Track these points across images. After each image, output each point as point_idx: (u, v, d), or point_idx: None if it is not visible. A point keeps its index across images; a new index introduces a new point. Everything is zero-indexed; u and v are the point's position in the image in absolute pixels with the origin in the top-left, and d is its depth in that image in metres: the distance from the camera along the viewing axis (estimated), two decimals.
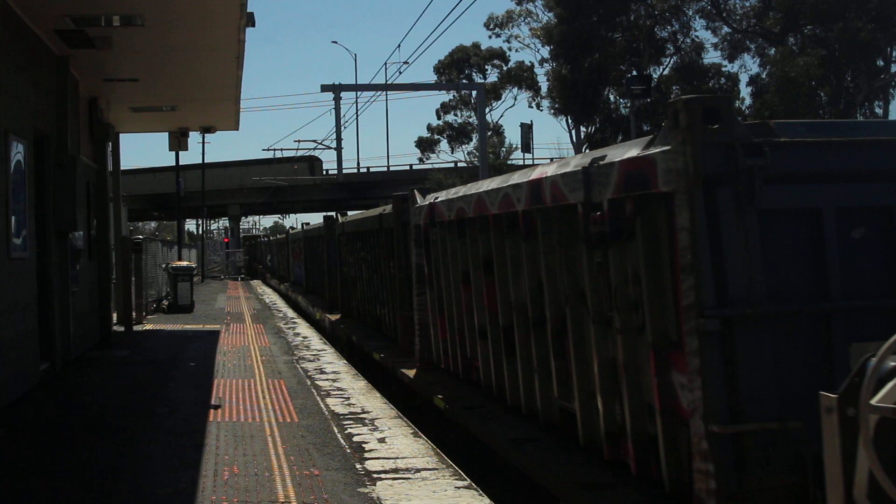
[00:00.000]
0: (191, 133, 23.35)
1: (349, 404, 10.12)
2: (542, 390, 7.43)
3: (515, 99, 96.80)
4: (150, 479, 7.01)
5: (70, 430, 9.06)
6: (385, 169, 76.05)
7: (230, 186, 70.67)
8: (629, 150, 5.73)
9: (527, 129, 65.87)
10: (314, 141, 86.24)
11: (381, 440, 8.25)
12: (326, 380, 11.99)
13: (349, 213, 22.68)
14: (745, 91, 56.41)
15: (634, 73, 51.55)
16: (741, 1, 54.49)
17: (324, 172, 72.37)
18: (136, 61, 14.80)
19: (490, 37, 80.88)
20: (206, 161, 58.86)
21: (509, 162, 64.62)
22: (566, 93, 56.05)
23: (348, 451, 7.84)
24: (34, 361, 11.60)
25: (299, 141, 71.93)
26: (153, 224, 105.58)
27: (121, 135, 21.13)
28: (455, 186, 11.11)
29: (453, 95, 78.09)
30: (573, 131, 61.69)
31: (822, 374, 5.03)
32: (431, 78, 78.43)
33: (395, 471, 7.14)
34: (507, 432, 7.38)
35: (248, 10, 12.14)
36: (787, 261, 5.14)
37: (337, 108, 60.53)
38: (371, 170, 75.67)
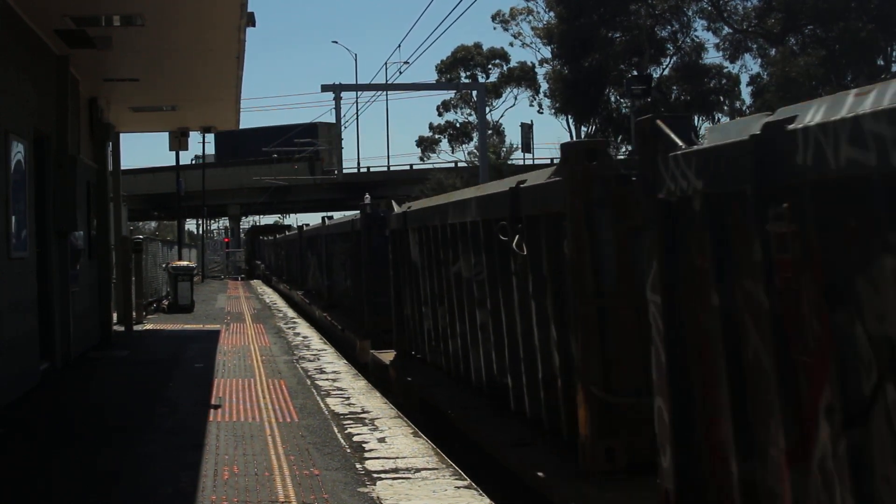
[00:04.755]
0: (191, 133, 23.36)
1: (349, 404, 10.13)
2: None
3: (516, 98, 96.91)
4: (150, 479, 7.01)
5: (70, 429, 9.06)
6: (385, 168, 76.06)
7: (230, 186, 70.69)
8: None
9: (527, 129, 65.98)
10: (314, 141, 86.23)
11: (381, 440, 8.26)
12: (326, 379, 11.99)
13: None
14: (745, 91, 56.48)
15: (635, 72, 51.56)
16: (742, 1, 54.57)
17: (324, 172, 72.36)
18: (136, 61, 14.80)
19: (495, 29, 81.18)
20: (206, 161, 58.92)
21: (509, 162, 64.66)
22: (567, 92, 56.13)
23: (348, 450, 7.84)
24: (34, 361, 11.60)
25: (299, 141, 71.95)
26: (153, 224, 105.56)
27: (121, 135, 21.12)
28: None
29: (454, 94, 78.21)
30: (573, 131, 61.76)
31: None
32: (432, 77, 78.56)
33: (395, 470, 7.14)
34: None
35: (249, 10, 12.13)
36: None
37: (337, 108, 60.67)
38: (371, 169, 75.69)
